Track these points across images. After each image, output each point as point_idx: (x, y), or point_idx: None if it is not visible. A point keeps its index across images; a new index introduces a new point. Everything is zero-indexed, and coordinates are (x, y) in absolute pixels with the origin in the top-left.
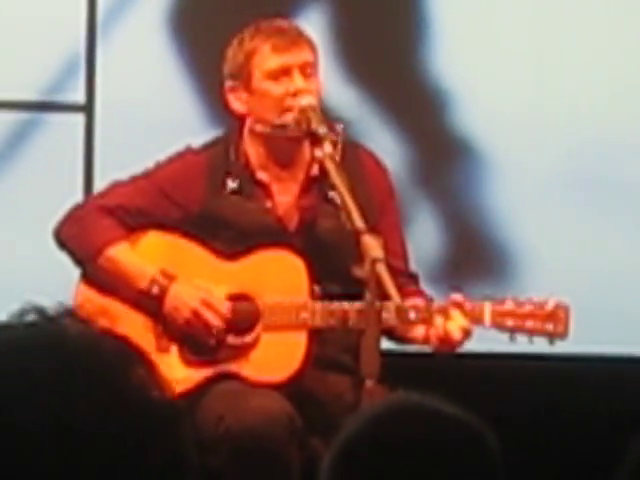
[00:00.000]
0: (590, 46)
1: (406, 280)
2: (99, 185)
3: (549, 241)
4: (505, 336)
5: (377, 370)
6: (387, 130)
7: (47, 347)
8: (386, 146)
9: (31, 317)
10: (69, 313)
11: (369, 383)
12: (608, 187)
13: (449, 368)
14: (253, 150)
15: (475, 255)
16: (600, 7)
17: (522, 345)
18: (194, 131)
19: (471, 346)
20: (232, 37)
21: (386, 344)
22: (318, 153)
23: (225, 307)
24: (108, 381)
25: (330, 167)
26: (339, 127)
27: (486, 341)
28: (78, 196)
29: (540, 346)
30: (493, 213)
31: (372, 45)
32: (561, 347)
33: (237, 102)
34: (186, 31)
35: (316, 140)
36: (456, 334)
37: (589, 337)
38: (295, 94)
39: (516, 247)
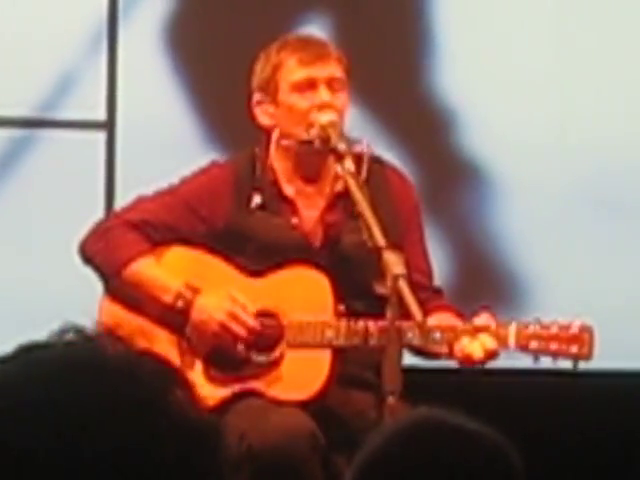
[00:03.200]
0: (610, 68)
1: (431, 295)
2: (120, 202)
3: (562, 266)
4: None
5: (399, 387)
6: (393, 152)
7: (89, 367)
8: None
9: (70, 336)
10: (107, 333)
11: (391, 400)
12: (624, 211)
13: (470, 384)
14: (280, 165)
15: (486, 281)
16: (620, 31)
17: (545, 362)
18: (216, 147)
19: (494, 362)
20: (249, 54)
21: (408, 360)
22: (339, 170)
23: (252, 319)
24: (148, 402)
25: (351, 183)
26: (364, 144)
27: (509, 357)
28: (99, 213)
29: (563, 363)
30: (504, 238)
31: (379, 65)
32: (585, 364)
33: (264, 115)
34: (205, 48)
35: (337, 157)
36: (479, 355)
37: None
38: (320, 107)
39: (529, 273)
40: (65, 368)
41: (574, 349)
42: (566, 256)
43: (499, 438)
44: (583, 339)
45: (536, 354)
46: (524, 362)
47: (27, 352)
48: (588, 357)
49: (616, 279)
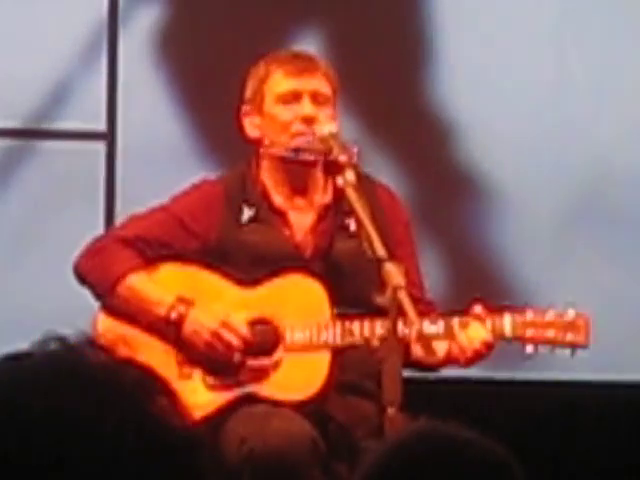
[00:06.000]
0: (610, 81)
1: (425, 307)
2: (121, 213)
3: (560, 278)
4: (525, 364)
5: (399, 397)
6: (389, 163)
7: (71, 376)
8: (387, 179)
9: (52, 346)
10: (90, 342)
11: (391, 411)
12: (622, 222)
13: (470, 394)
14: (269, 177)
15: (483, 292)
16: (620, 44)
17: (542, 372)
18: (215, 160)
19: (495, 372)
20: (248, 67)
21: (408, 371)
22: (339, 181)
23: (245, 328)
24: (129, 411)
25: (351, 195)
26: (354, 150)
27: (510, 366)
28: (99, 224)
29: (559, 373)
30: (501, 249)
31: (375, 76)
32: (583, 375)
33: (251, 127)
34: (204, 60)
35: (337, 168)
36: (478, 345)
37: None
38: (304, 120)
39: (526, 285)
40: (47, 377)
41: (570, 336)
42: (564, 268)
43: (501, 450)
44: (578, 326)
45: (532, 343)
46: (526, 373)
47: (9, 361)
48: (584, 344)
49: (615, 290)
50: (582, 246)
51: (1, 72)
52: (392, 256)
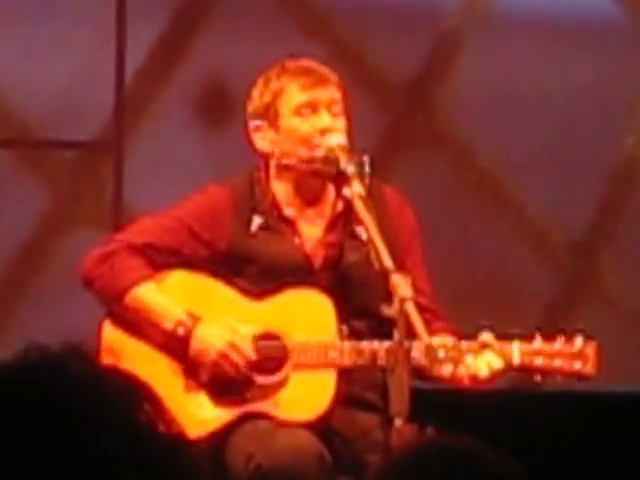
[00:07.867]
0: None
1: (432, 316)
2: (127, 225)
3: (575, 294)
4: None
5: (406, 409)
6: (401, 172)
7: (49, 386)
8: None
9: (35, 356)
10: (74, 351)
11: (398, 422)
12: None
13: (474, 404)
14: (279, 187)
15: (491, 306)
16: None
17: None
18: (222, 172)
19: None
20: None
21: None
22: (346, 192)
23: (251, 347)
24: (113, 417)
25: (359, 207)
26: (365, 158)
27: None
28: (107, 235)
29: (568, 384)
30: (515, 264)
31: (386, 90)
32: (594, 384)
33: (262, 141)
34: (210, 71)
35: (345, 179)
36: (485, 373)
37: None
38: (323, 132)
39: (539, 297)
40: (28, 388)
41: (577, 366)
42: (582, 285)
43: (509, 462)
44: (586, 355)
45: (540, 372)
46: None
47: None
48: (592, 374)
49: (628, 303)
50: (602, 262)
51: (10, 84)
52: (399, 263)
